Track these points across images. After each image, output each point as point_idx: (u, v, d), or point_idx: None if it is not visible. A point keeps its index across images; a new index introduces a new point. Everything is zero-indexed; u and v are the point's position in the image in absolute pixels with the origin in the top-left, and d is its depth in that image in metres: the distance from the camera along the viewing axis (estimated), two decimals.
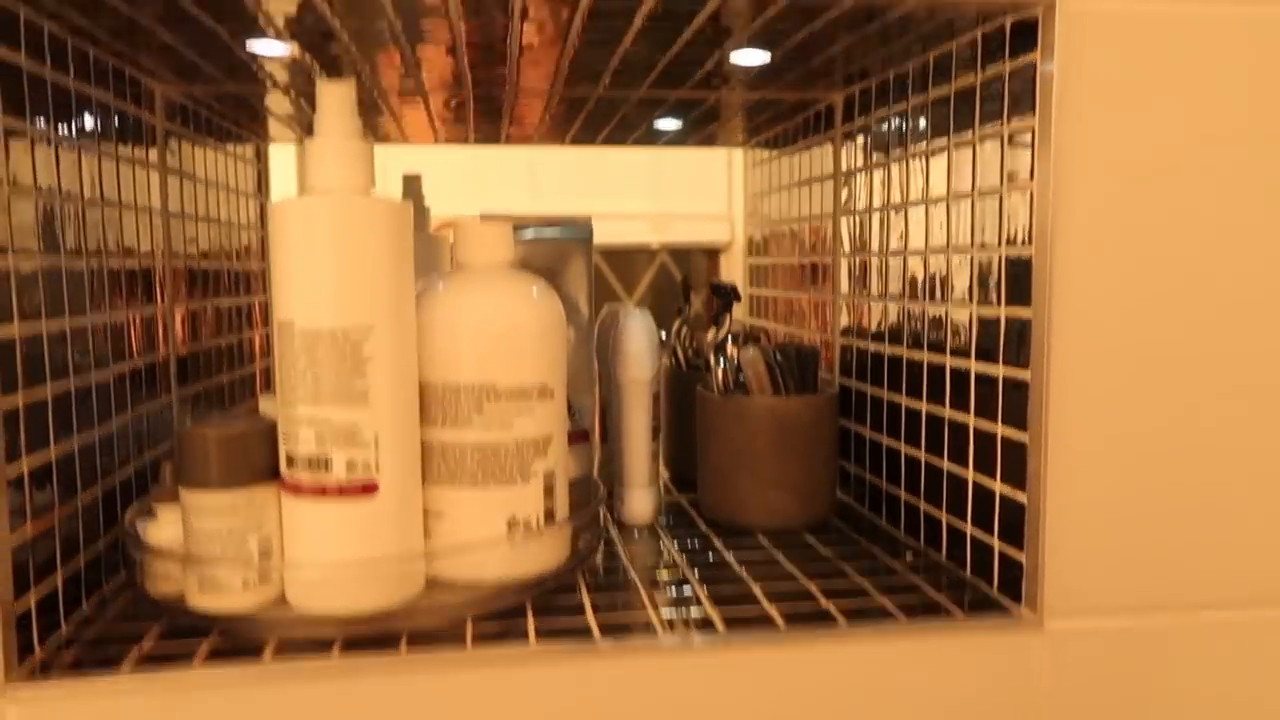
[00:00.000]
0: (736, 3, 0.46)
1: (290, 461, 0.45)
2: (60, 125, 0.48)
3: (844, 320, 0.72)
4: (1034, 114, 0.47)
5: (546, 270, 0.58)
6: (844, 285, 0.72)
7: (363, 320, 0.44)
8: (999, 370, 0.51)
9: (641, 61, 0.59)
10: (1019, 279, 0.49)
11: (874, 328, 0.66)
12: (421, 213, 0.87)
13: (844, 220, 0.72)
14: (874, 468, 0.67)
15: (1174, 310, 0.48)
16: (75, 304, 0.50)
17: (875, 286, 0.66)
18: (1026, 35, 0.47)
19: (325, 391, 0.44)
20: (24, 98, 0.45)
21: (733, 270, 1.99)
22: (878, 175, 0.66)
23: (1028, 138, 0.48)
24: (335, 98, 0.45)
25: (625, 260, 2.17)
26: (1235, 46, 0.47)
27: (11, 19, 0.44)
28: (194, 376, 0.69)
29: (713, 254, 2.33)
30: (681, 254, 2.21)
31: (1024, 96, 0.48)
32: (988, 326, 0.52)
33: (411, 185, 0.89)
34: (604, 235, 2.27)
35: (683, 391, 0.76)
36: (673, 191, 1.77)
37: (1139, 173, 0.47)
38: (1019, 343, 0.49)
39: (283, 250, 0.45)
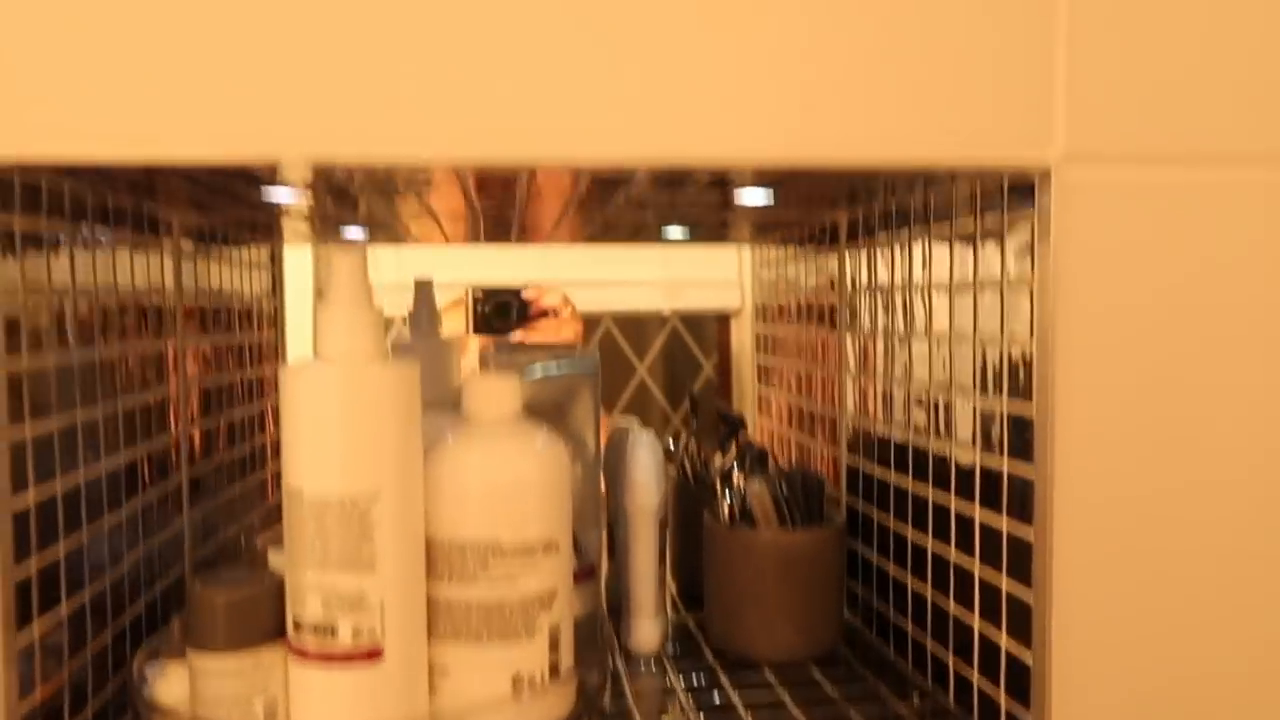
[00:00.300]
0: (740, 175, 0.47)
1: (297, 626, 0.46)
2: (79, 274, 0.50)
3: (850, 436, 0.72)
4: (1032, 271, 0.48)
5: (554, 407, 0.59)
6: (850, 403, 0.73)
7: (370, 487, 0.45)
8: (1003, 523, 0.51)
9: (649, 197, 0.60)
10: (1021, 434, 0.49)
11: (879, 453, 0.67)
12: (432, 317, 0.88)
13: (849, 337, 0.73)
14: (881, 594, 0.67)
15: (1178, 472, 0.48)
16: (90, 455, 0.51)
17: (880, 411, 0.67)
18: (1023, 192, 0.48)
19: (332, 558, 0.45)
20: (45, 258, 0.46)
21: (743, 335, 1.99)
22: (881, 300, 0.66)
23: (1025, 292, 0.48)
24: (347, 266, 0.46)
25: (637, 327, 2.19)
26: (1227, 211, 0.47)
27: (34, 188, 0.46)
28: (206, 494, 0.70)
29: (724, 319, 2.34)
30: (693, 320, 2.22)
31: (1022, 250, 0.49)
32: (991, 478, 0.52)
33: (423, 290, 0.90)
34: (616, 302, 2.27)
35: (689, 504, 0.76)
36: (684, 258, 1.79)
37: (1137, 333, 0.47)
38: (1022, 499, 0.49)
39: (292, 418, 0.45)
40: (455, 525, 0.48)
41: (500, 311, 1.39)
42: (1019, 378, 0.49)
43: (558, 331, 1.52)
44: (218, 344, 0.73)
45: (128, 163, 0.41)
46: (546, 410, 0.58)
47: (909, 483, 0.62)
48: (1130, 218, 0.47)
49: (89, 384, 0.51)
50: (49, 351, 0.46)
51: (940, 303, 0.58)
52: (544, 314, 1.51)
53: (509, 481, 0.49)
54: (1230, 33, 0.46)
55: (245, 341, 0.80)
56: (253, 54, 0.40)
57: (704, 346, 2.16)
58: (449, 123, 0.42)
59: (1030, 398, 0.48)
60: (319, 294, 0.51)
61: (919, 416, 0.61)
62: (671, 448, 0.81)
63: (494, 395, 0.51)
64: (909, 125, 0.44)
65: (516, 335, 1.48)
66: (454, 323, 1.61)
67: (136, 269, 0.58)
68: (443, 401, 0.68)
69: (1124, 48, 0.45)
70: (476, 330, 1.29)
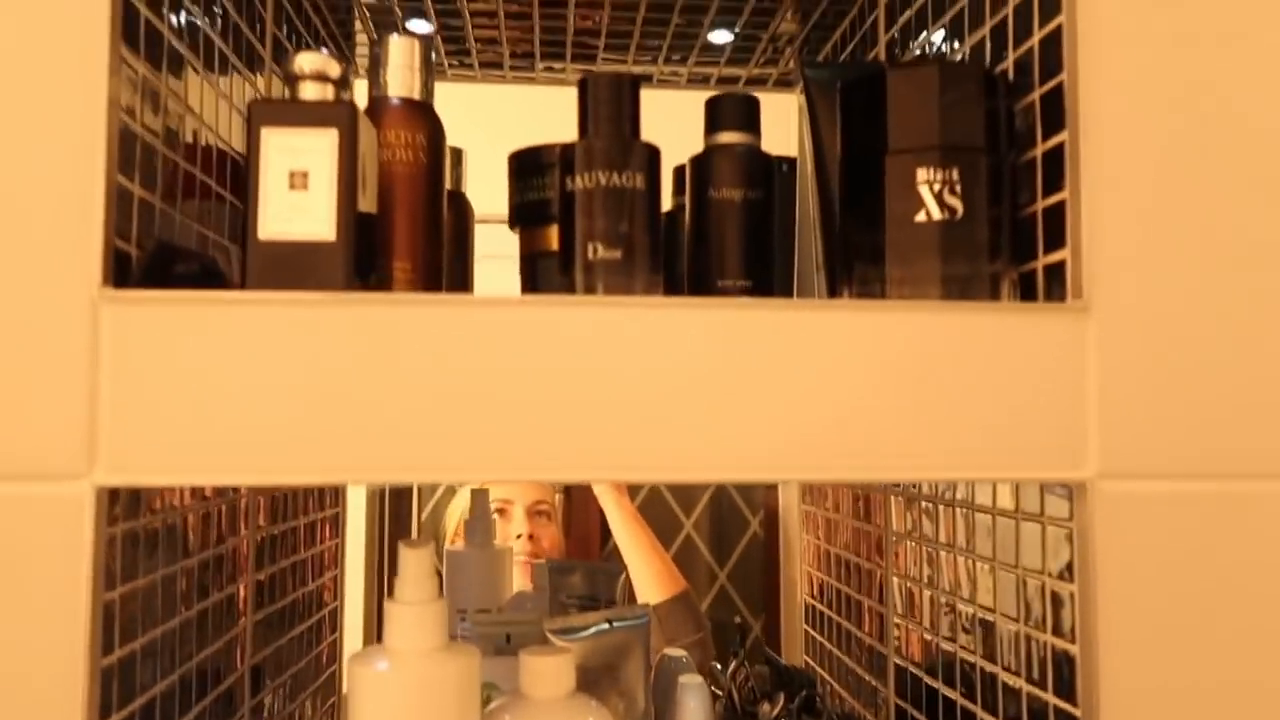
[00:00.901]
0: None
1: None
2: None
3: (897, 678, 0.72)
4: (1072, 575, 0.49)
5: (606, 666, 0.61)
6: (895, 639, 0.73)
7: None
8: None
9: None
10: None
11: (927, 707, 0.67)
12: (487, 527, 0.91)
13: (895, 579, 0.73)
14: None
15: None
16: None
17: (925, 659, 0.67)
18: (1062, 492, 0.50)
19: None
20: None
21: (790, 492, 1.98)
22: (926, 552, 0.68)
23: (1068, 591, 0.50)
24: (413, 562, 0.49)
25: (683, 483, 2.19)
26: (1253, 520, 0.49)
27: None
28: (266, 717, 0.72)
29: None
30: None
31: (1060, 548, 0.50)
32: None
33: (479, 498, 0.93)
34: None
35: None
36: None
37: (1177, 633, 0.48)
38: None
39: (356, 707, 0.48)
40: None
41: None
42: (1064, 674, 0.50)
43: None
44: (281, 603, 0.76)
45: (232, 484, 0.45)
46: (600, 670, 0.59)
47: None
48: (1163, 526, 0.48)
49: (157, 668, 0.54)
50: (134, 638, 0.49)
51: (985, 581, 0.59)
52: None
53: None
54: (1245, 365, 0.49)
55: (309, 589, 0.83)
56: (325, 405, 0.44)
57: (750, 504, 2.16)
58: (494, 451, 0.45)
59: (1075, 700, 0.49)
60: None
61: (965, 681, 0.61)
62: (718, 667, 0.82)
63: (548, 674, 0.52)
64: (955, 451, 0.47)
65: None
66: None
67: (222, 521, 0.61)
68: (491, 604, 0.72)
69: (1149, 380, 0.48)
70: None
